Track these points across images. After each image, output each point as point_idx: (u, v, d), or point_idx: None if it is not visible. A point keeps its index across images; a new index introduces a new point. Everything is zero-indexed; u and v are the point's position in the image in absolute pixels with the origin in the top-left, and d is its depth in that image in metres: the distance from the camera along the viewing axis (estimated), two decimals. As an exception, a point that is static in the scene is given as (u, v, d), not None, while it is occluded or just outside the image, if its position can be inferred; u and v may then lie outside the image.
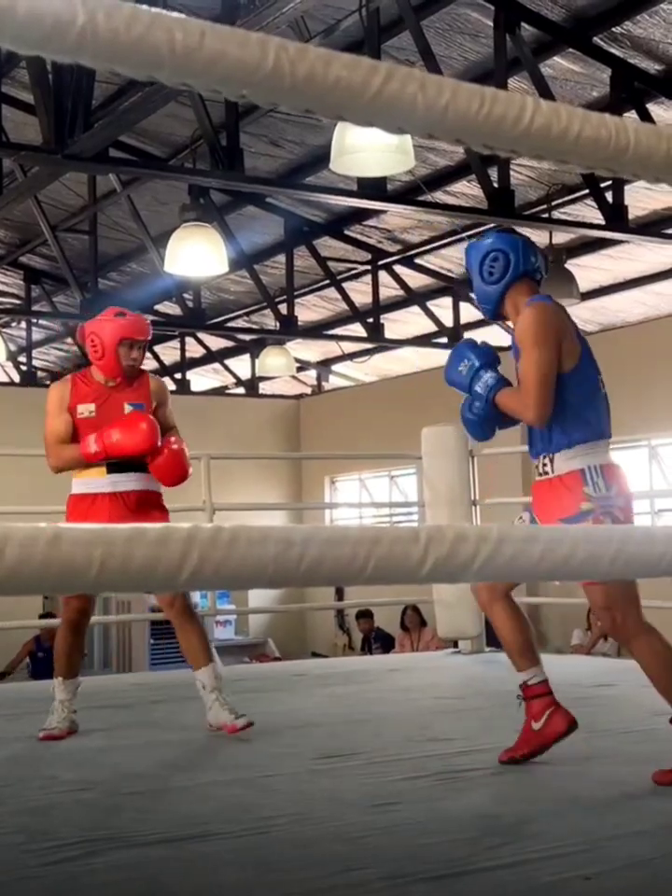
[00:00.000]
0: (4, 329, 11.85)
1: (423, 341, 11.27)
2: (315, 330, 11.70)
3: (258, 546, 0.84)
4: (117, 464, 3.99)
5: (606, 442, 3.17)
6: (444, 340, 10.78)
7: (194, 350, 13.04)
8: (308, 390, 14.20)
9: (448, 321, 10.58)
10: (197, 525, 0.82)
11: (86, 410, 4.03)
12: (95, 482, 4.01)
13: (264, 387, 13.88)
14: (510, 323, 3.37)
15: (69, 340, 12.81)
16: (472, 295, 3.36)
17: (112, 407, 4.03)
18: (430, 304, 10.59)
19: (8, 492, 10.04)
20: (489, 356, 3.29)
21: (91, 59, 0.78)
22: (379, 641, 11.32)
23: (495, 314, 3.32)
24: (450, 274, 10.30)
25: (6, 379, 13.74)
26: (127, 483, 4.02)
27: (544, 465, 3.18)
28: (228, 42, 0.80)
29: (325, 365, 13.25)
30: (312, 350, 12.80)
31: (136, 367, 4.08)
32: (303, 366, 13.03)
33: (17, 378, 13.42)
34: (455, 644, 6.68)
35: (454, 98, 0.88)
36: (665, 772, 3.03)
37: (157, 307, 11.77)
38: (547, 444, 3.16)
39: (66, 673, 4.10)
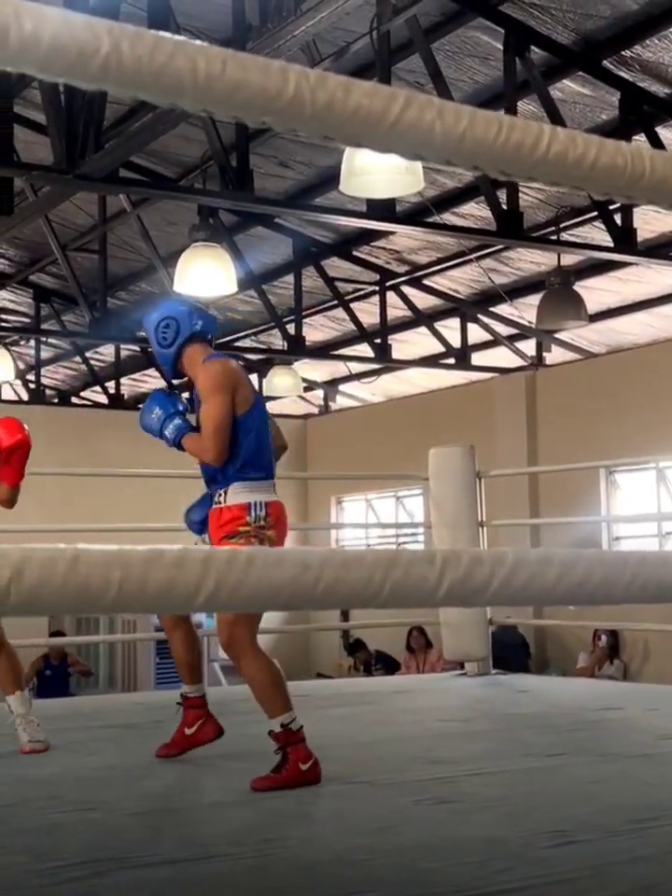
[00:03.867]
0: (13, 348, 11.88)
1: (430, 361, 11.29)
2: (323, 350, 11.72)
3: (274, 569, 0.84)
4: None
5: (271, 483, 3.68)
6: (452, 360, 10.78)
7: (202, 369, 13.05)
8: (315, 410, 14.21)
9: (456, 342, 10.59)
10: (214, 547, 0.82)
11: None
12: None
13: (271, 407, 13.86)
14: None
15: (78, 358, 12.85)
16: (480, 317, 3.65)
17: None
18: (438, 325, 10.61)
19: (26, 511, 10.03)
20: (177, 404, 3.72)
21: (114, 87, 0.79)
22: (380, 663, 11.27)
23: (173, 373, 3.75)
24: (458, 295, 10.32)
25: (14, 397, 13.77)
26: None
27: (220, 496, 3.60)
28: (249, 70, 0.81)
29: (332, 385, 13.26)
30: (319, 370, 12.82)
31: None
32: (310, 386, 13.05)
33: (25, 396, 13.46)
34: (462, 666, 6.66)
35: (471, 125, 0.89)
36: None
37: (165, 326, 11.80)
38: (222, 479, 3.59)
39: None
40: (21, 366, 12.89)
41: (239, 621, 3.48)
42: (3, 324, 11.45)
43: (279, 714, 3.46)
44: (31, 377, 13.37)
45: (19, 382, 13.29)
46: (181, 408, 3.70)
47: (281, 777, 3.41)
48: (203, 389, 3.59)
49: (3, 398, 13.66)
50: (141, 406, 3.78)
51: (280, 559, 0.85)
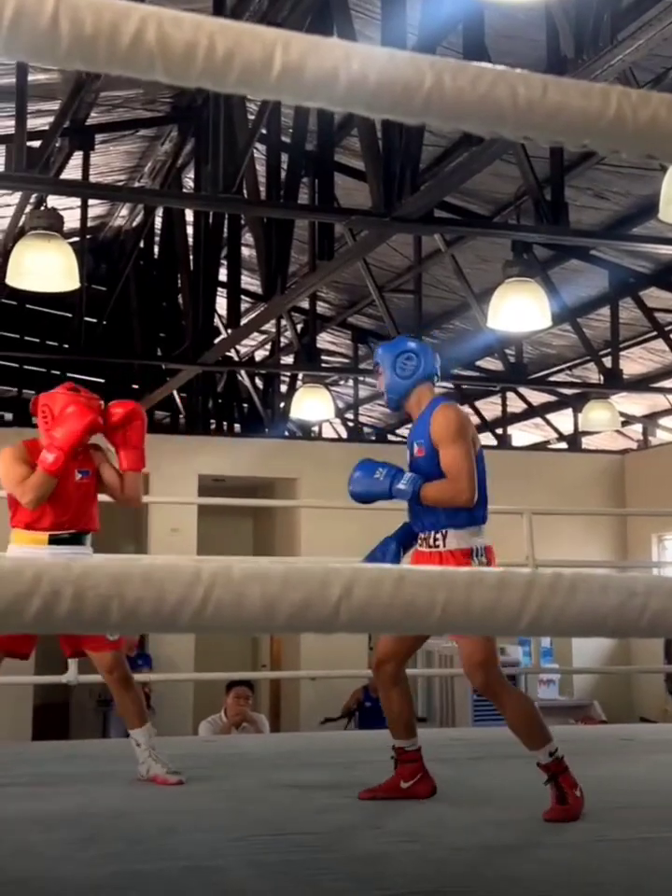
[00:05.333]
0: (333, 388, 12.32)
1: None
2: (642, 383, 11.40)
3: (598, 595, 0.82)
4: (57, 536, 4.07)
5: (484, 527, 3.68)
6: None
7: (515, 405, 13.03)
8: (634, 445, 13.82)
9: None
10: (536, 571, 0.82)
11: None
12: (35, 551, 4.06)
13: (587, 442, 13.64)
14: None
15: (394, 396, 13.14)
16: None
17: (66, 476, 4.10)
18: None
19: (338, 542, 10.36)
20: (394, 466, 3.69)
21: (437, 118, 0.81)
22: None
23: (398, 404, 3.84)
24: None
25: (334, 435, 14.26)
26: (66, 555, 4.05)
27: (436, 539, 3.62)
28: (570, 93, 0.81)
29: (652, 419, 12.88)
30: (638, 403, 12.48)
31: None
32: (628, 420, 12.72)
33: (344, 434, 13.90)
34: None
35: None
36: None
37: (478, 363, 11.87)
38: (440, 521, 3.61)
39: None
40: (341, 405, 13.33)
41: (491, 660, 3.54)
42: (323, 365, 11.89)
43: (544, 744, 3.54)
44: (349, 415, 13.80)
45: (338, 420, 13.74)
46: (399, 468, 3.69)
47: (570, 808, 3.51)
48: (444, 432, 3.62)
49: (323, 435, 14.19)
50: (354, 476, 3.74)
51: (605, 585, 0.83)
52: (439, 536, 3.62)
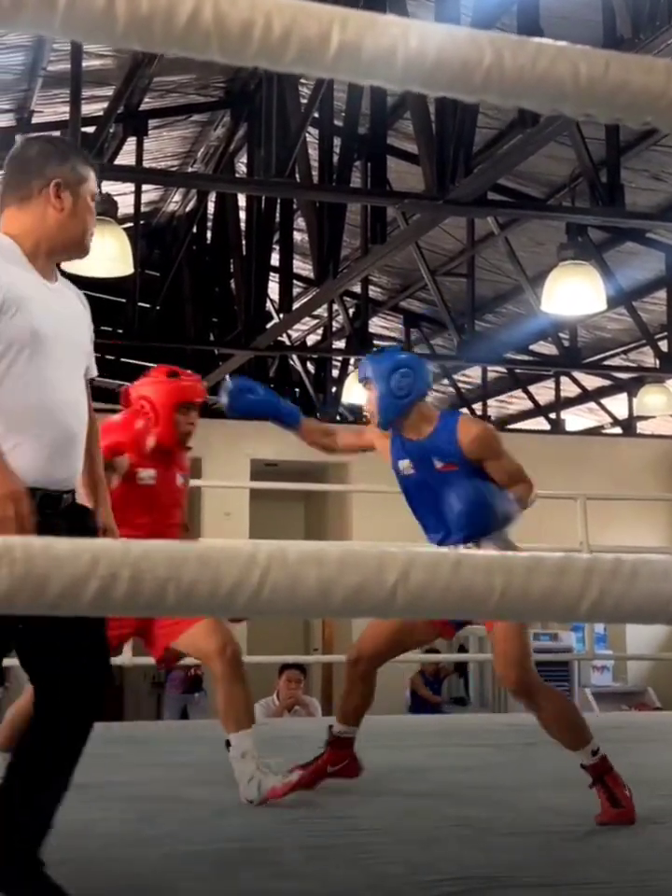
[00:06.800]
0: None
1: None
2: (698, 368, 11.27)
3: (660, 581, 0.81)
4: None
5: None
6: None
7: (569, 389, 12.91)
8: (690, 429, 13.68)
9: None
10: (596, 556, 0.81)
11: (147, 476, 3.60)
12: None
13: (642, 427, 13.50)
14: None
15: (445, 381, 13.09)
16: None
17: (168, 479, 3.69)
18: None
19: (390, 527, 10.37)
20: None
21: (496, 96, 0.80)
22: None
23: (391, 424, 3.57)
24: None
25: (386, 420, 14.22)
26: None
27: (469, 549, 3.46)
28: (633, 70, 0.80)
29: (709, 403, 12.72)
30: (694, 388, 12.34)
31: (192, 433, 3.72)
32: (684, 404, 12.57)
33: (396, 419, 13.87)
34: None
35: None
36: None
37: (532, 347, 11.78)
38: (474, 529, 3.46)
39: None
40: (393, 390, 13.28)
41: (527, 658, 3.35)
42: (375, 349, 11.87)
43: (587, 743, 3.36)
44: (402, 400, 13.77)
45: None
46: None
47: (624, 811, 3.29)
48: (488, 450, 3.50)
49: (376, 421, 14.16)
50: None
51: (667, 571, 0.82)
52: (471, 546, 3.46)
